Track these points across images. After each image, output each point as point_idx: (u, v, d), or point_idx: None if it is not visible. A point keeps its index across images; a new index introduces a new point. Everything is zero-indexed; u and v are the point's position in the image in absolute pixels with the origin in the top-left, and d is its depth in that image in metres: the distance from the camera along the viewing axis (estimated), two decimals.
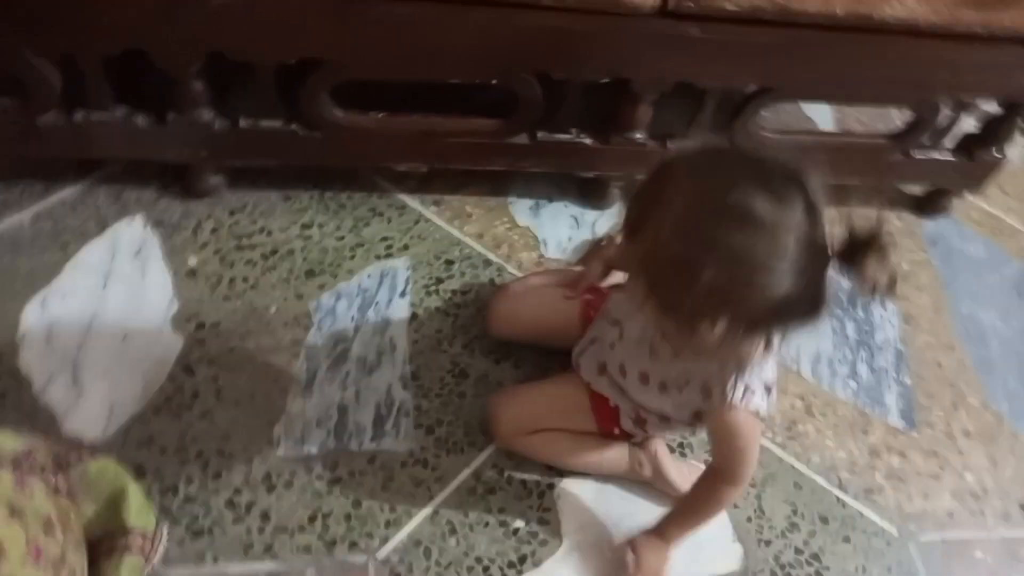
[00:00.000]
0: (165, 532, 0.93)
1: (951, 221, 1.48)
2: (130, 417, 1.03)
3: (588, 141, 1.22)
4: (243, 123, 1.12)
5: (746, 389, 0.85)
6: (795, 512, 1.09)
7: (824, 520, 1.09)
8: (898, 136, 1.28)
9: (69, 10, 0.96)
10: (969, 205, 1.51)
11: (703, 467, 0.99)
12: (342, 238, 1.24)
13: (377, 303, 1.18)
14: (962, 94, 1.25)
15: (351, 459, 1.04)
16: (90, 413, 1.02)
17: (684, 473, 1.05)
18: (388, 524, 1.00)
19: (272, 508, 0.99)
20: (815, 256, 0.72)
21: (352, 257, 1.23)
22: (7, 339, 1.06)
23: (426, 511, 1.02)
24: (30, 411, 1.01)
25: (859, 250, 0.71)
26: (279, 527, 0.98)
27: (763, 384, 0.87)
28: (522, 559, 1.00)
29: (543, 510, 1.04)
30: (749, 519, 1.08)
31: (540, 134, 1.19)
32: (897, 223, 1.45)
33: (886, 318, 1.32)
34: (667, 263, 0.72)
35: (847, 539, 1.08)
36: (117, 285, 1.14)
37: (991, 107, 1.32)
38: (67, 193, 1.21)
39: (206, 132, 1.11)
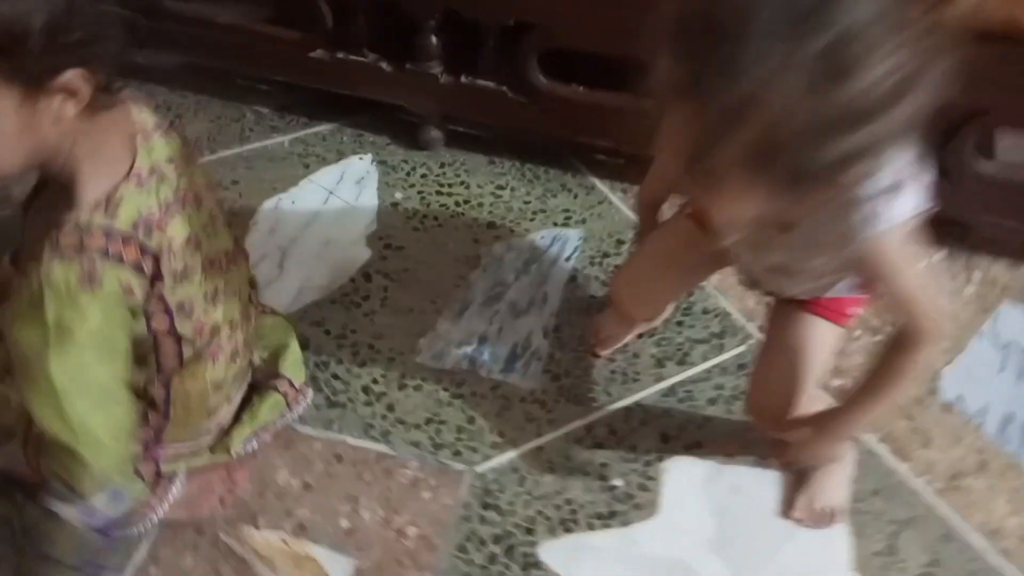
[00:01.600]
0: (310, 393, 1.06)
1: None
2: (311, 301, 1.19)
3: None
4: (464, 79, 1.27)
5: (874, 214, 0.70)
6: (936, 562, 0.95)
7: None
8: None
9: None
10: None
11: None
12: (528, 203, 1.34)
13: (542, 261, 1.25)
14: None
15: (477, 382, 1.11)
16: (283, 290, 1.20)
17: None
18: (493, 445, 1.05)
19: (398, 403, 1.08)
20: None
21: (532, 220, 1.32)
22: (244, 221, 1.29)
23: (531, 444, 1.04)
24: None
25: None
26: (399, 419, 1.07)
27: (891, 187, 0.69)
28: (611, 514, 0.98)
29: (647, 478, 1.02)
30: (877, 553, 0.95)
31: None
32: None
33: None
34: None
35: None
36: (336, 202, 1.34)
37: None
38: (321, 128, 1.46)
39: (433, 83, 1.29)
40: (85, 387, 0.71)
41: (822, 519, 0.98)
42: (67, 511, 0.75)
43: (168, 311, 0.77)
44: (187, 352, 0.82)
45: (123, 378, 0.76)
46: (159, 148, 0.77)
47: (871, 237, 0.71)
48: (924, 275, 0.76)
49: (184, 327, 0.80)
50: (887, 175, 0.68)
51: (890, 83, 0.55)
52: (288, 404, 1.01)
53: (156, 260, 0.74)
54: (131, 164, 0.73)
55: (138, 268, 0.72)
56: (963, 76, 1.09)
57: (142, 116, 0.78)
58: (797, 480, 1.00)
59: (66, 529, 0.77)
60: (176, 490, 0.92)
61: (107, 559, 0.81)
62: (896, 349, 0.79)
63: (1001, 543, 0.96)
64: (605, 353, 1.13)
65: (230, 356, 0.88)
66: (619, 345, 1.14)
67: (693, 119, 0.58)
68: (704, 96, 0.56)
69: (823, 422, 0.86)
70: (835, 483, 0.99)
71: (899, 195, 0.70)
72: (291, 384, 1.02)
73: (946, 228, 1.28)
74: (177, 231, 0.76)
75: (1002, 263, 1.27)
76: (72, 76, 0.65)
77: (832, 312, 0.91)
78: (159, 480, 0.89)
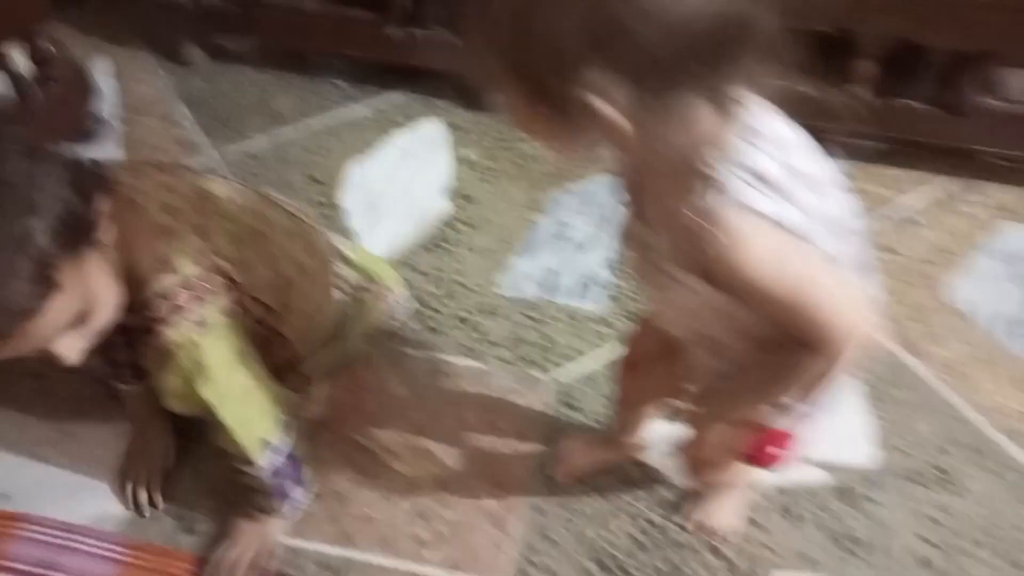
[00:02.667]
0: (407, 297, 1.24)
1: None
2: (402, 247, 1.38)
3: None
4: None
5: (716, 186, 0.59)
6: (947, 439, 1.13)
7: (978, 451, 1.12)
8: None
9: None
10: None
11: None
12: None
13: (597, 202, 1.43)
14: None
15: (553, 308, 1.30)
16: (377, 239, 1.39)
17: None
18: (571, 359, 1.24)
19: (487, 328, 1.28)
20: None
21: (584, 168, 1.50)
22: (335, 182, 1.48)
23: (605, 359, 1.24)
24: (339, 229, 1.40)
25: None
26: (489, 341, 1.26)
27: (749, 173, 0.59)
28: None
29: None
30: (895, 432, 1.14)
31: None
32: None
33: None
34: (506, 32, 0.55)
35: (998, 474, 1.10)
36: (413, 161, 1.52)
37: None
38: (395, 97, 1.64)
39: None
40: (230, 397, 0.91)
41: (712, 535, 1.06)
42: (250, 469, 0.98)
43: (255, 298, 0.95)
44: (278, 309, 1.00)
45: (256, 369, 0.95)
46: (159, 196, 0.87)
47: (713, 205, 0.59)
48: (805, 274, 0.62)
49: (268, 298, 0.97)
50: (759, 159, 0.60)
51: None
52: (391, 306, 1.19)
53: (227, 275, 0.90)
54: (150, 227, 0.84)
55: (222, 290, 0.89)
56: (961, 20, 1.25)
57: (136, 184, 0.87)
58: (697, 495, 1.07)
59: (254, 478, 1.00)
60: (318, 401, 1.13)
61: (287, 478, 1.04)
62: (781, 347, 0.66)
63: (1001, 422, 1.15)
64: (565, 479, 1.12)
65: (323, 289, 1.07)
66: (584, 471, 1.12)
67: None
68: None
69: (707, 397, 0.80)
70: (730, 508, 1.06)
71: (767, 187, 0.60)
72: (391, 290, 1.19)
73: (955, 158, 1.45)
74: (222, 243, 0.90)
75: (1007, 188, 1.44)
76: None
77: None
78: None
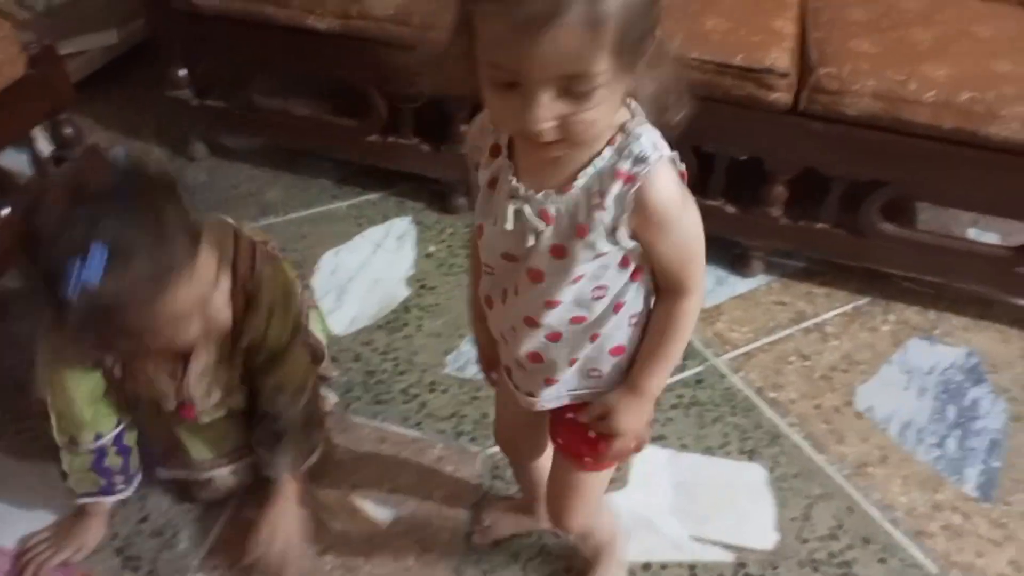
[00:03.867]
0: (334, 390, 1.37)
1: None
2: (362, 327, 1.52)
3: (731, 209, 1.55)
4: None
5: (638, 154, 0.70)
6: (840, 527, 1.23)
7: (866, 541, 1.21)
8: (1020, 249, 1.42)
9: (399, 69, 1.57)
10: None
11: None
12: None
13: None
14: None
15: (488, 388, 1.41)
16: (341, 317, 1.53)
17: None
18: None
19: (429, 402, 1.40)
20: None
21: None
22: (310, 266, 1.64)
23: None
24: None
25: None
26: (429, 414, 1.38)
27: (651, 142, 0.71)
28: None
29: None
30: (794, 519, 1.24)
31: None
32: None
33: (993, 413, 1.40)
34: None
35: (883, 561, 1.18)
36: (382, 253, 1.68)
37: None
38: (372, 196, 1.83)
39: (460, 161, 1.64)
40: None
41: None
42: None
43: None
44: None
45: None
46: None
47: (650, 169, 0.70)
48: (695, 224, 0.75)
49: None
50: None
51: None
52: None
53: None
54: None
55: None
56: (867, 152, 1.42)
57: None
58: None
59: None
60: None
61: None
62: (665, 303, 0.79)
63: (892, 514, 1.24)
64: (483, 543, 1.19)
65: None
66: (501, 536, 1.20)
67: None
68: None
69: (619, 392, 0.85)
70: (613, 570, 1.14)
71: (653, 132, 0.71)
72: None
73: (866, 277, 1.61)
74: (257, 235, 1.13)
75: (914, 308, 1.59)
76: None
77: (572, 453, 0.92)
78: None
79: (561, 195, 0.72)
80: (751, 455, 1.32)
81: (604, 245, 0.73)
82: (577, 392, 0.88)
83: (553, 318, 0.79)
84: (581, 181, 0.71)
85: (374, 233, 1.74)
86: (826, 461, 1.32)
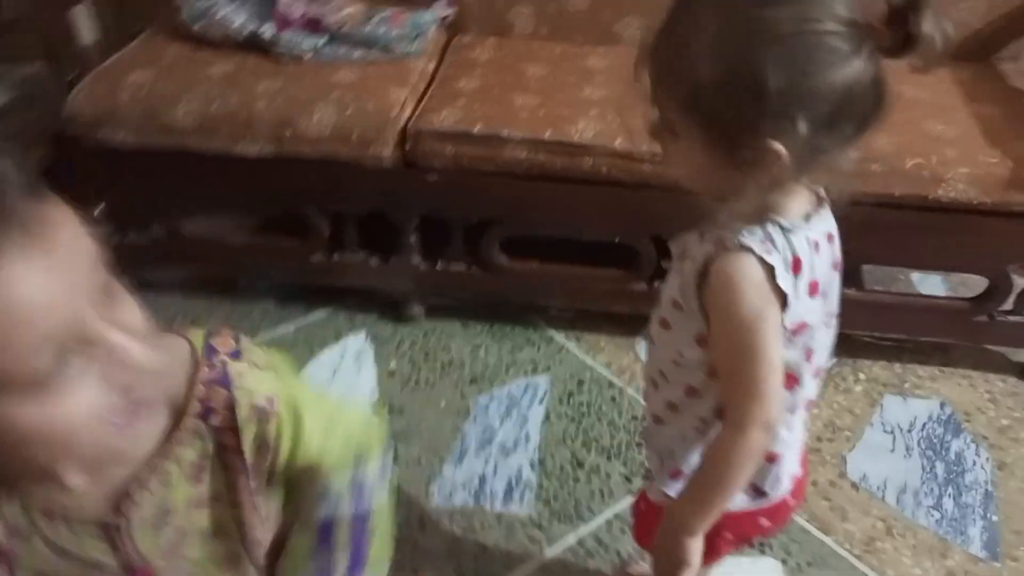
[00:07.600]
0: None
1: None
2: None
3: None
4: (439, 266, 1.58)
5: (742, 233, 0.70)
6: None
7: None
8: (977, 300, 1.46)
9: (340, 186, 1.50)
10: None
11: None
12: (501, 358, 1.62)
13: (520, 406, 1.52)
14: None
15: (483, 515, 1.34)
16: None
17: None
18: (506, 566, 1.27)
19: (419, 540, 1.30)
20: (861, 30, 0.64)
21: (507, 372, 1.59)
22: None
23: (535, 563, 1.27)
24: None
25: (910, 8, 0.63)
26: (422, 552, 1.28)
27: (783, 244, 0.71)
28: None
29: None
30: None
31: (656, 283, 1.53)
32: (1000, 384, 1.56)
33: (978, 463, 1.42)
34: (721, 82, 0.65)
35: None
36: (342, 376, 1.59)
37: None
38: (319, 315, 1.73)
39: (415, 271, 1.59)
40: None
41: None
42: None
43: None
44: None
45: None
46: None
47: (724, 248, 0.70)
48: (764, 340, 0.71)
49: None
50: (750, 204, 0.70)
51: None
52: None
53: None
54: None
55: None
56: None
57: None
58: None
59: None
60: None
61: None
62: (721, 433, 0.76)
63: None
64: None
65: None
66: None
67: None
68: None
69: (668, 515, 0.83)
70: None
71: (759, 232, 0.70)
72: None
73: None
74: None
75: (880, 364, 1.61)
76: None
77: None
78: None
79: None
80: (762, 547, 1.29)
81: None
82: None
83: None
84: None
85: (329, 356, 1.64)
86: (835, 542, 1.30)
